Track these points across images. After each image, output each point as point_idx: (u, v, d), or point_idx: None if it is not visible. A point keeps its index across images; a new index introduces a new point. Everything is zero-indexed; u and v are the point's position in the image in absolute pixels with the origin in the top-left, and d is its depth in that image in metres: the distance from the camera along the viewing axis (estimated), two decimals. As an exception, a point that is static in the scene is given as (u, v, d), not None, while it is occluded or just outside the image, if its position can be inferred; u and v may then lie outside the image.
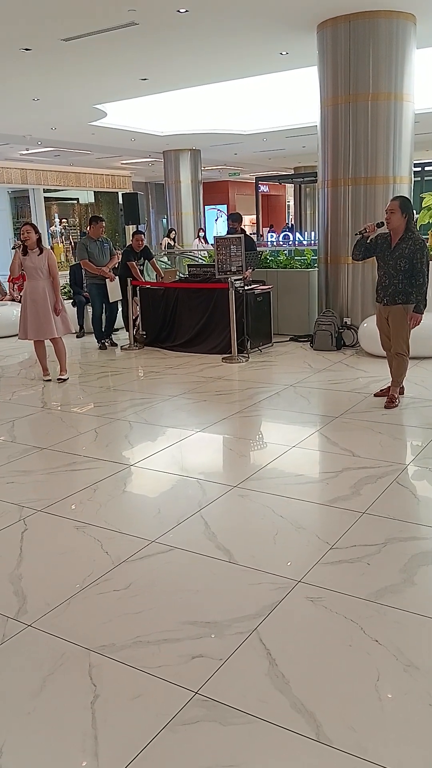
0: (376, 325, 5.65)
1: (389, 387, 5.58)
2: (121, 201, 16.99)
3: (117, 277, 8.45)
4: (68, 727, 2.08)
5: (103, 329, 8.69)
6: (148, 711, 2.13)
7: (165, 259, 13.12)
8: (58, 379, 6.84)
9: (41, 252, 6.67)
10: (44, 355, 6.99)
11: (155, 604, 2.73)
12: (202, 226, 17.83)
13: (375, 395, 5.68)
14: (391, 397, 5.43)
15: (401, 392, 5.58)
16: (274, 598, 2.71)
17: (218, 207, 24.74)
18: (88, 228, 8.59)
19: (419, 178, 14.60)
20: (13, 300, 10.74)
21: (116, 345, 8.71)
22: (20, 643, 2.52)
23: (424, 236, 8.39)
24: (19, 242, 6.70)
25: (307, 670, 2.29)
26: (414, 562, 2.96)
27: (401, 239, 5.18)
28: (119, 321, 9.02)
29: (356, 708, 2.10)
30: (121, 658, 2.38)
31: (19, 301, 10.56)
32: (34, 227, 6.77)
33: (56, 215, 21.68)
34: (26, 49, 7.89)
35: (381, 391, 5.70)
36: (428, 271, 5.19)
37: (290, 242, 16.11)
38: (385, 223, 5.26)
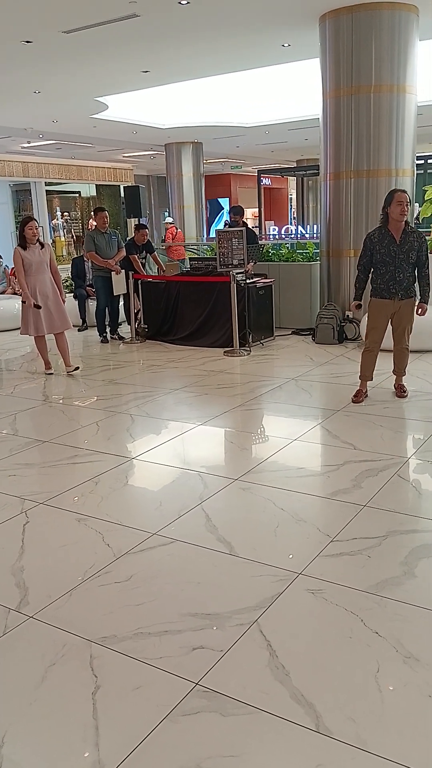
0: (370, 323, 5.40)
1: (362, 390, 5.44)
2: (122, 194, 16.93)
3: (123, 270, 8.44)
4: (69, 718, 2.09)
5: (106, 323, 8.69)
6: (148, 702, 2.14)
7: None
8: (74, 369, 6.83)
9: (43, 246, 6.70)
10: (45, 349, 6.99)
11: (156, 596, 2.74)
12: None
13: (354, 401, 5.35)
14: (400, 386, 5.48)
15: (366, 392, 5.49)
16: (275, 590, 2.72)
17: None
18: (90, 220, 8.64)
19: (422, 171, 14.53)
20: (14, 293, 10.70)
21: (123, 339, 8.69)
22: (22, 634, 2.53)
23: (426, 230, 8.42)
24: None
25: (308, 661, 2.30)
26: (414, 554, 2.97)
27: (404, 232, 5.18)
28: (122, 315, 9.02)
29: (356, 699, 2.11)
30: (123, 650, 2.40)
31: (20, 295, 10.55)
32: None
33: (58, 209, 21.61)
34: (27, 42, 7.86)
35: (357, 394, 5.41)
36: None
37: (292, 236, 16.07)
38: (400, 216, 5.08)
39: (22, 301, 6.80)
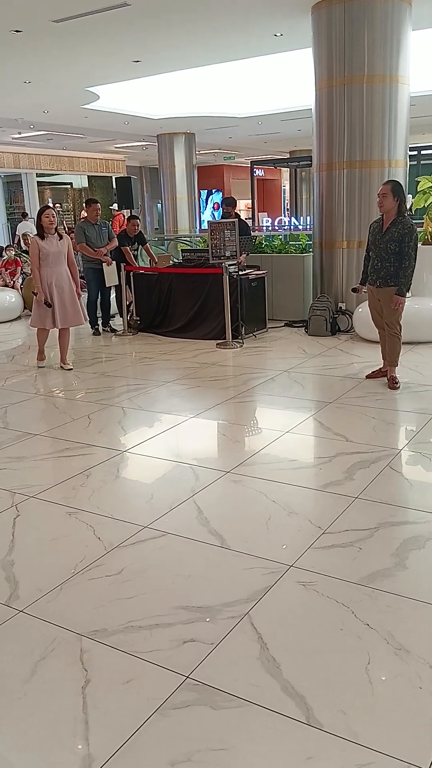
0: (368, 305, 5.75)
1: (380, 369, 5.70)
2: (114, 185, 16.84)
3: (114, 262, 8.38)
4: (59, 712, 2.08)
5: (98, 315, 8.64)
6: (139, 695, 2.13)
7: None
8: (68, 370, 6.67)
9: (61, 237, 6.52)
10: (45, 340, 6.82)
11: (147, 589, 2.74)
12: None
13: (367, 377, 5.76)
14: (391, 378, 5.50)
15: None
16: (266, 583, 2.72)
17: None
18: (83, 212, 8.55)
19: (415, 162, 14.49)
20: (5, 286, 10.63)
21: (115, 331, 8.64)
22: (12, 628, 2.52)
23: (419, 221, 8.44)
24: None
25: (299, 654, 2.30)
26: (405, 546, 2.97)
27: (392, 223, 5.30)
28: (114, 307, 8.98)
29: (347, 691, 2.11)
30: (113, 643, 2.39)
31: (12, 287, 10.50)
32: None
33: (50, 200, 21.50)
34: (17, 31, 7.78)
35: (373, 372, 5.78)
36: (416, 255, 5.24)
37: (285, 227, 16.04)
38: (378, 207, 5.40)
39: (34, 293, 6.63)
